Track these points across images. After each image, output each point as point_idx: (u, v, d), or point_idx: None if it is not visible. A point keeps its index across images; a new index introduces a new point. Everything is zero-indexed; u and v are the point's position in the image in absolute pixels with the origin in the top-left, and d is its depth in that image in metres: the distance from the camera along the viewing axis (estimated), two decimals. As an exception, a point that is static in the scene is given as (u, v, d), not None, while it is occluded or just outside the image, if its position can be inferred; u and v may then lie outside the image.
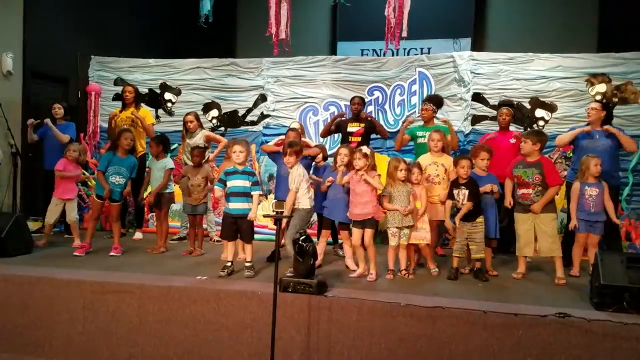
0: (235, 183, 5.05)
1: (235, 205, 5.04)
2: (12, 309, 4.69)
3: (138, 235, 7.00)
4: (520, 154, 5.34)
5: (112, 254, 5.79)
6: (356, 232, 5.05)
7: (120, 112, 7.03)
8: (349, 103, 7.60)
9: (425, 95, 7.41)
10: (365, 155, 4.98)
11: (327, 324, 4.14)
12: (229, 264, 5.02)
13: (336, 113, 7.70)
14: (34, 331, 4.64)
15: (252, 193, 5.07)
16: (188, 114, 6.84)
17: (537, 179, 5.11)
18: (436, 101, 6.51)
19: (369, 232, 4.99)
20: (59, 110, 7.07)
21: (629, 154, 6.56)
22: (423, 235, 5.18)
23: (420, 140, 6.20)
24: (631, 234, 6.54)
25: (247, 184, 5.06)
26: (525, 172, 5.17)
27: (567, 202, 5.67)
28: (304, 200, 5.10)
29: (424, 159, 5.62)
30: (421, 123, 6.48)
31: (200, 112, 8.07)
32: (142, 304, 4.47)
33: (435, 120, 6.46)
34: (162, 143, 6.29)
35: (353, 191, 5.05)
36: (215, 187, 5.18)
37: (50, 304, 4.62)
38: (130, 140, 5.92)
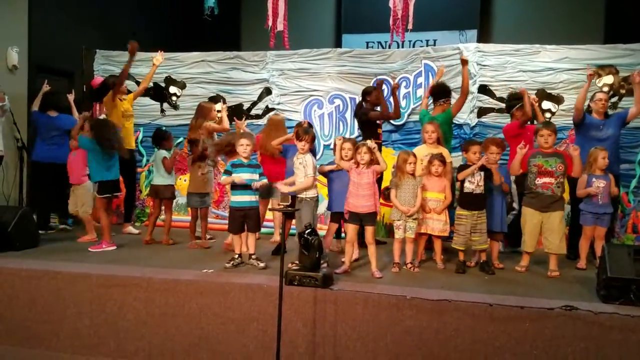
0: (241, 176, 5.06)
1: (242, 198, 5.06)
2: (19, 302, 4.72)
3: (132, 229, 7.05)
4: (544, 148, 5.13)
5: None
6: (352, 228, 4.96)
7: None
8: (354, 96, 7.59)
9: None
10: (369, 150, 4.93)
11: (333, 316, 4.15)
12: (236, 256, 5.04)
13: (341, 107, 7.69)
14: (41, 325, 4.67)
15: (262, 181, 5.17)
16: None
17: (560, 168, 5.01)
18: (437, 92, 6.28)
19: (370, 229, 4.90)
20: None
21: (637, 146, 6.54)
22: (441, 227, 5.18)
23: None
24: (638, 226, 6.50)
25: (254, 176, 5.09)
26: (547, 161, 5.04)
27: (570, 195, 5.62)
28: (312, 189, 5.12)
29: (420, 151, 5.52)
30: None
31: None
32: (148, 297, 4.49)
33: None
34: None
35: (354, 182, 4.94)
36: (224, 177, 5.16)
37: (57, 297, 4.65)
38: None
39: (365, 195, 4.89)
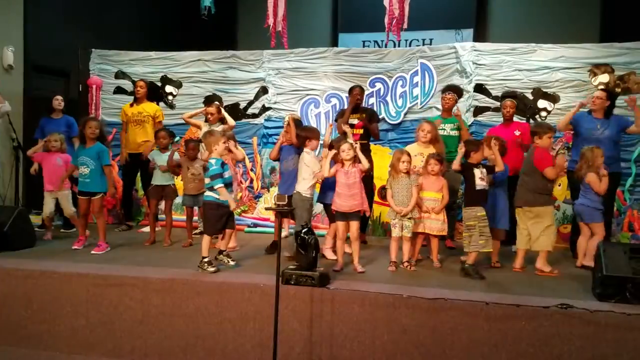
0: (228, 173, 5.12)
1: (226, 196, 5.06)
2: (16, 302, 4.71)
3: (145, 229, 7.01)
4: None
5: (93, 252, 5.57)
6: (341, 225, 4.98)
7: (131, 106, 7.08)
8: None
9: (426, 86, 7.40)
10: (351, 146, 4.96)
11: (330, 316, 4.15)
12: (207, 258, 4.99)
13: (337, 105, 7.68)
14: (38, 324, 4.66)
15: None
16: (211, 105, 6.84)
17: None
18: (458, 90, 6.48)
19: (355, 225, 4.95)
20: (62, 102, 7.06)
21: (632, 145, 6.56)
22: (440, 226, 5.16)
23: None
24: (634, 224, 6.52)
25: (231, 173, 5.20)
26: None
27: (570, 193, 5.65)
28: (309, 189, 5.14)
29: (411, 149, 5.46)
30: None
31: (201, 105, 8.08)
32: (145, 297, 4.49)
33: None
34: (172, 136, 6.31)
35: (340, 183, 4.96)
36: (219, 185, 4.96)
37: (54, 297, 4.64)
38: (95, 129, 5.72)
39: (354, 194, 4.93)
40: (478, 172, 5.02)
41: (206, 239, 4.92)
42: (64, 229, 6.77)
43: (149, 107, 7.15)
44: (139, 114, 7.03)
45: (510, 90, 6.91)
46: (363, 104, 6.56)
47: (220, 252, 5.07)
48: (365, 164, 5.04)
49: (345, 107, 7.49)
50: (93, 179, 5.67)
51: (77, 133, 6.73)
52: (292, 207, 4.89)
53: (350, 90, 6.46)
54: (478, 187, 5.00)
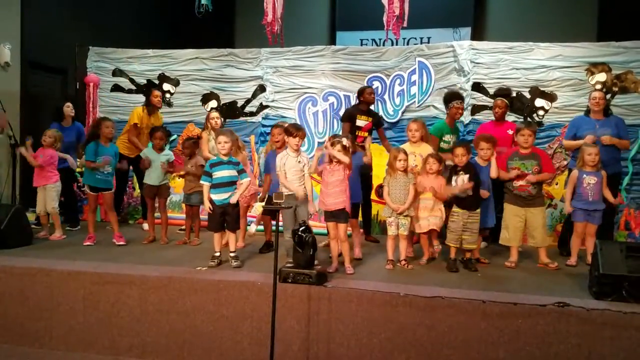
0: (221, 174, 5.03)
1: (222, 196, 5.02)
2: (12, 300, 4.71)
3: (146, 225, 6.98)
4: (523, 148, 5.26)
5: (119, 243, 5.87)
6: (331, 225, 4.90)
7: (150, 115, 7.08)
8: (349, 93, 7.55)
9: (424, 85, 7.39)
10: (344, 148, 4.81)
11: (327, 314, 4.16)
12: (218, 253, 5.02)
13: (335, 104, 7.69)
14: (34, 322, 4.66)
15: (242, 180, 5.09)
16: (213, 110, 6.83)
17: (535, 170, 5.20)
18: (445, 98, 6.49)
19: (342, 227, 4.86)
20: (73, 109, 7.05)
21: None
22: (437, 222, 5.16)
23: (444, 145, 6.16)
24: (630, 223, 6.54)
25: (233, 173, 5.06)
26: (524, 164, 5.21)
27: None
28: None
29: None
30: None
31: (199, 103, 8.08)
32: (142, 295, 4.49)
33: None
34: (169, 136, 6.32)
35: (324, 181, 4.89)
36: (202, 182, 5.10)
37: (50, 295, 4.63)
38: (112, 129, 5.94)
39: (335, 192, 4.81)
40: (453, 181, 5.10)
41: (214, 235, 5.10)
42: (69, 226, 6.77)
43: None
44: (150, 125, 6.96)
45: (503, 88, 6.84)
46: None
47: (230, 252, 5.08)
48: (344, 160, 4.80)
49: (344, 105, 7.53)
50: (111, 178, 6.00)
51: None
52: (291, 206, 4.87)
53: (362, 91, 6.46)
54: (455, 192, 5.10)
